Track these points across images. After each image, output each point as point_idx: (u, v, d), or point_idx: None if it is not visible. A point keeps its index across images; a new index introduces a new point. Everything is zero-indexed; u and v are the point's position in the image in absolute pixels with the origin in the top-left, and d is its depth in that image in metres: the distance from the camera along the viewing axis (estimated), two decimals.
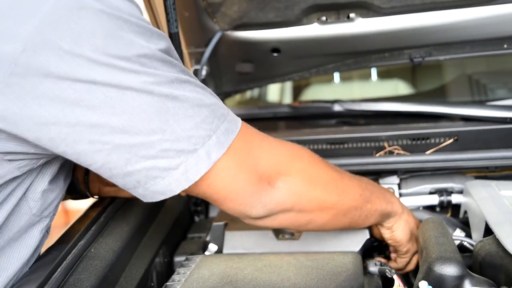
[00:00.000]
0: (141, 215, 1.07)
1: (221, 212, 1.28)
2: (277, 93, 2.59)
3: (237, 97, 1.86)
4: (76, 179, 1.02)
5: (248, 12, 1.23)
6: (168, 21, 1.08)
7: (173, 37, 1.11)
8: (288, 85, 2.60)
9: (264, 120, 1.58)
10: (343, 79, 2.55)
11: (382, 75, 2.56)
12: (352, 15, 1.26)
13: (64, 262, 0.85)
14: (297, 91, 2.59)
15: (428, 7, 1.21)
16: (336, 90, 2.57)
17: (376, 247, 1.23)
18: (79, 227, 0.96)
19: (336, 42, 1.31)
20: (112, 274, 0.91)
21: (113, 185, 1.00)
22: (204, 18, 1.28)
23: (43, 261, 0.87)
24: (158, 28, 1.34)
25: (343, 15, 1.25)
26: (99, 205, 1.04)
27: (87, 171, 1.02)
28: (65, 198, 0.95)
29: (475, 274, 0.90)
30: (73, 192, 1.04)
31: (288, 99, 2.56)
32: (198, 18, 1.28)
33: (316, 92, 2.53)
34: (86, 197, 1.05)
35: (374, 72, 2.52)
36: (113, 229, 0.99)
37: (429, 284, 0.87)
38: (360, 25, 1.27)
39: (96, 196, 1.06)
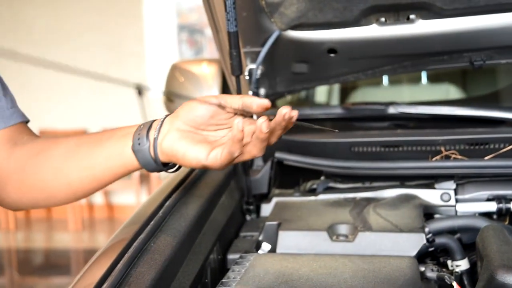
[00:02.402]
0: (197, 212, 1.08)
1: (274, 212, 1.28)
2: (324, 95, 2.58)
3: (288, 98, 1.87)
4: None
5: (307, 12, 1.23)
6: (227, 20, 1.09)
7: (232, 36, 1.12)
8: (336, 87, 2.58)
9: (316, 121, 1.58)
10: (391, 82, 2.53)
11: (432, 79, 2.52)
12: (412, 16, 1.24)
13: (126, 255, 0.87)
14: (344, 94, 2.58)
15: (492, 9, 1.18)
16: (384, 93, 2.55)
17: (430, 253, 1.21)
18: (139, 221, 0.98)
19: (394, 44, 1.30)
20: (171, 268, 0.92)
21: None
22: (261, 18, 1.29)
23: (105, 254, 0.89)
24: (215, 26, 1.35)
25: (402, 17, 1.24)
26: (156, 201, 1.06)
27: None
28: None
29: None
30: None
31: (335, 101, 2.55)
32: (256, 18, 1.29)
33: (364, 95, 2.52)
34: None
35: (424, 75, 2.48)
36: (170, 225, 1.00)
37: None
38: (420, 27, 1.25)
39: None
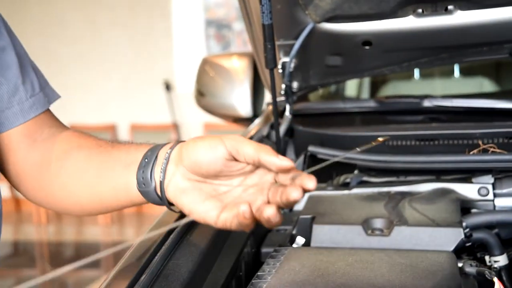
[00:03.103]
0: None
1: (307, 206, 1.27)
2: (354, 89, 2.56)
3: (320, 91, 1.85)
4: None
5: (342, 4, 1.22)
6: (262, 12, 1.09)
7: (267, 29, 1.11)
8: (366, 81, 2.56)
9: (348, 114, 1.56)
10: (423, 75, 2.49)
11: (464, 72, 2.48)
12: (450, 7, 1.21)
13: (163, 247, 0.88)
14: (375, 87, 2.55)
15: None
16: (416, 87, 2.51)
17: (467, 248, 1.19)
18: (174, 214, 0.98)
19: (431, 36, 1.28)
20: (207, 261, 0.92)
21: None
22: (296, 10, 1.28)
23: (142, 246, 0.90)
24: (249, 19, 1.35)
25: (440, 7, 1.21)
26: None
27: None
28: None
29: None
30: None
31: (366, 95, 2.53)
32: (290, 10, 1.28)
33: (396, 89, 2.49)
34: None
35: (456, 68, 2.44)
36: None
37: None
38: (459, 18, 1.23)
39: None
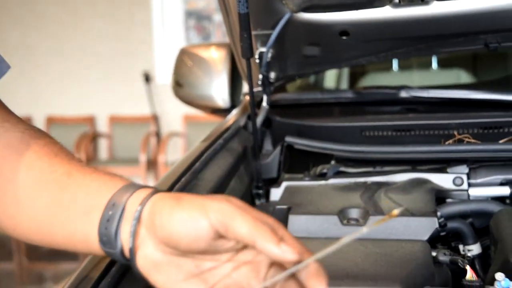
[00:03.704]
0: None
1: (284, 196, 1.27)
2: (333, 80, 2.56)
3: (298, 82, 1.85)
4: None
5: None
6: (238, 1, 1.07)
7: (243, 18, 1.10)
8: (345, 73, 2.57)
9: (326, 105, 1.56)
10: (401, 67, 2.50)
11: (442, 64, 2.50)
12: None
13: None
14: (353, 79, 2.56)
15: None
16: (394, 78, 2.53)
17: (441, 237, 1.20)
18: None
19: (408, 26, 1.27)
20: None
21: None
22: (273, 0, 1.27)
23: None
24: (226, 8, 1.33)
25: None
26: (164, 185, 1.04)
27: None
28: None
29: None
30: None
31: (344, 86, 2.53)
32: (267, 0, 1.27)
33: (374, 80, 2.50)
34: None
35: (434, 60, 2.46)
36: None
37: (506, 277, 0.84)
38: (435, 8, 1.23)
39: None
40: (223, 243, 0.58)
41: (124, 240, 0.61)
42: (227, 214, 0.56)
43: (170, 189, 1.02)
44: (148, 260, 0.60)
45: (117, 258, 0.64)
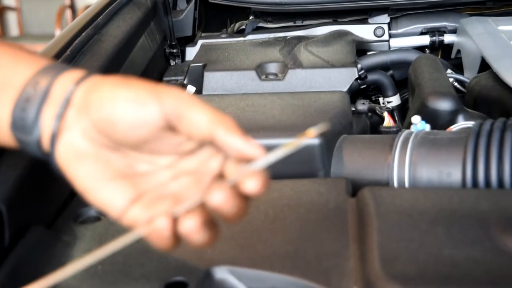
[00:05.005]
0: (111, 53, 0.97)
1: (199, 54, 1.20)
2: None
3: None
4: None
5: None
6: None
7: None
8: None
9: None
10: None
11: None
12: None
13: None
14: None
15: None
16: None
17: (361, 91, 1.18)
18: None
19: None
20: None
21: None
22: None
23: None
24: None
25: None
26: (64, 38, 0.93)
27: None
28: None
29: (469, 109, 0.87)
30: None
31: None
32: None
33: None
34: None
35: None
36: (81, 65, 0.90)
37: (422, 120, 0.83)
38: None
39: None
40: (169, 137, 0.48)
41: (45, 124, 0.50)
42: (184, 101, 0.47)
43: (69, 44, 0.91)
44: (72, 148, 0.50)
45: (29, 149, 0.52)
